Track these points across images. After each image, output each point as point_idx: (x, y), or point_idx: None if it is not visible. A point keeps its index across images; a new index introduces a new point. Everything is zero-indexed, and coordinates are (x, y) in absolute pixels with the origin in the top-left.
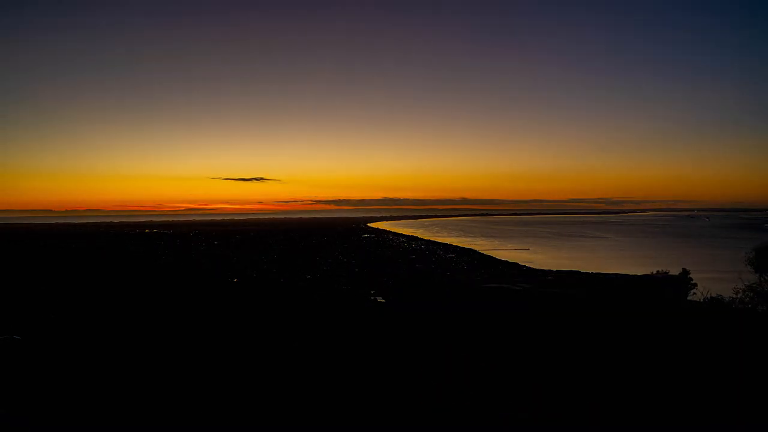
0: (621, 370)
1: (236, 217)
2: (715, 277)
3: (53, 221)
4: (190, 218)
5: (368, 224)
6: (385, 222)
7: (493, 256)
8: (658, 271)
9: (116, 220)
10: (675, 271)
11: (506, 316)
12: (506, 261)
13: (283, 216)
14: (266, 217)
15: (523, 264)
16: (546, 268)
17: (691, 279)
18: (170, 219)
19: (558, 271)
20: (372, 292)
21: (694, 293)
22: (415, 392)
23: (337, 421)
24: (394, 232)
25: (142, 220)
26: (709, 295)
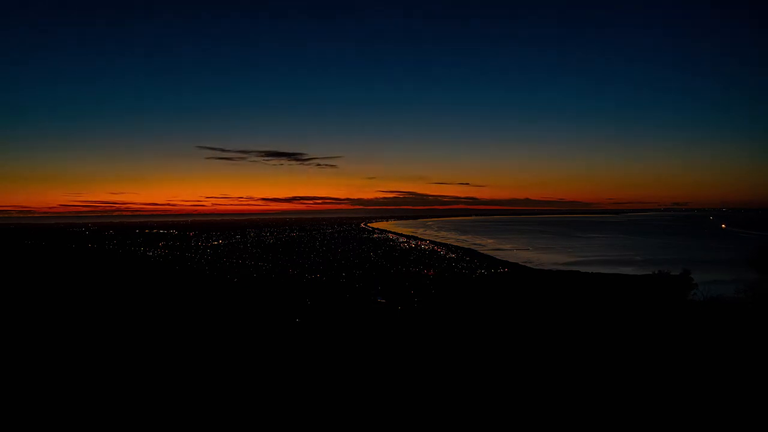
0: (616, 373)
1: (236, 217)
2: (716, 277)
3: (53, 221)
4: (189, 218)
5: (369, 224)
6: (385, 222)
7: (494, 256)
8: (659, 271)
9: (116, 221)
10: (675, 270)
11: (505, 318)
12: (506, 261)
13: (282, 216)
14: (264, 217)
15: (523, 264)
16: (546, 267)
17: (692, 279)
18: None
19: (558, 271)
20: (373, 292)
21: (695, 293)
22: (414, 393)
23: (340, 410)
24: (395, 232)
25: (143, 221)
26: (709, 295)
